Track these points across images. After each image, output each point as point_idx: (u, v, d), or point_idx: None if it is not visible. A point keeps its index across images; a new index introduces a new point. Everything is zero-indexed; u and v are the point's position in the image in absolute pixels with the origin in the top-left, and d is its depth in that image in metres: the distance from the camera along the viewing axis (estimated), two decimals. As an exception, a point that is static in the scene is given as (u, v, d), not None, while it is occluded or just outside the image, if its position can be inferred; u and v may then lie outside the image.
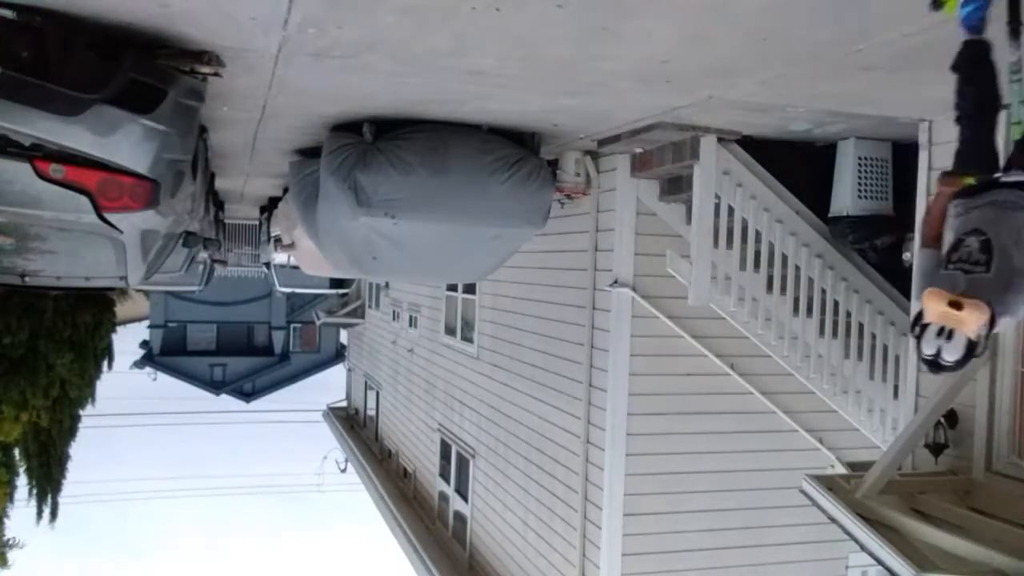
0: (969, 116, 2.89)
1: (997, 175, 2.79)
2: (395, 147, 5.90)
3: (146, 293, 25.08)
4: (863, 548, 4.09)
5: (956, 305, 2.44)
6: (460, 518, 10.32)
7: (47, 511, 16.30)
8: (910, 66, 3.99)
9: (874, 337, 5.96)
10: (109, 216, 3.98)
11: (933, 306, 2.49)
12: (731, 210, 5.82)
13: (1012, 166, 2.77)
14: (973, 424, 4.63)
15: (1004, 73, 2.78)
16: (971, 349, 2.49)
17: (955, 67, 2.89)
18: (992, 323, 2.50)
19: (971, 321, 2.45)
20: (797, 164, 6.16)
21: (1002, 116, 2.86)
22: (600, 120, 5.89)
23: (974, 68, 2.84)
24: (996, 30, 2.77)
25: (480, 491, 9.69)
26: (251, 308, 32.80)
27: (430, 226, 6.19)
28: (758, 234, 5.83)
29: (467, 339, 10.38)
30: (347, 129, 6.09)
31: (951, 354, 2.50)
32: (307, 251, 9.48)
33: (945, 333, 2.48)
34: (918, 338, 2.56)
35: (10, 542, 14.31)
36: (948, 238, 2.81)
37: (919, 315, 2.58)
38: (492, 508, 9.28)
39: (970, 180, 2.82)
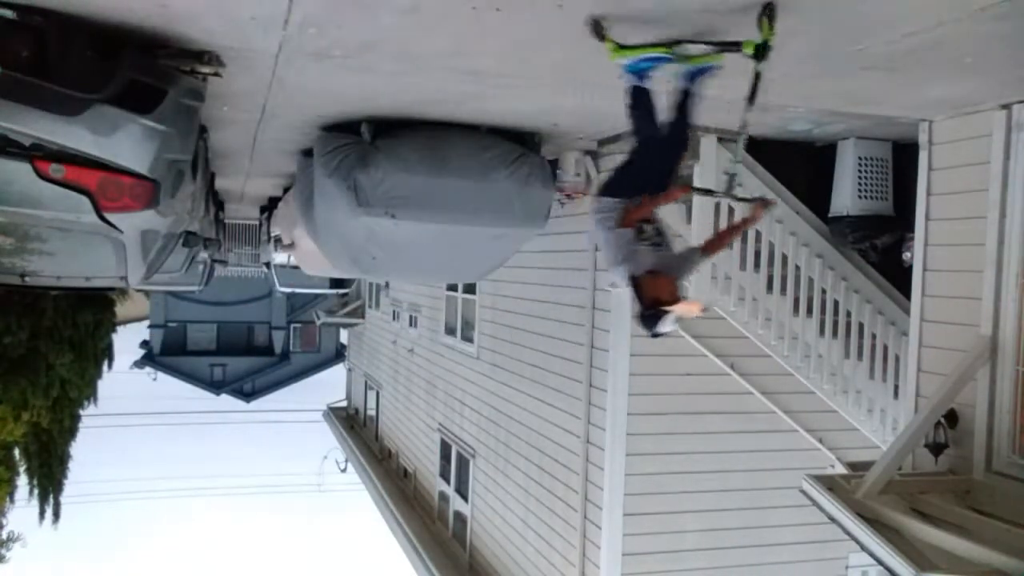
0: (641, 142, 3.83)
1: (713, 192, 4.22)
2: (394, 145, 5.90)
3: (146, 293, 25.10)
4: (863, 548, 4.09)
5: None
6: (460, 518, 10.32)
7: (49, 511, 16.32)
8: (910, 66, 3.99)
9: (874, 337, 5.97)
10: (109, 216, 3.98)
11: (691, 308, 3.49)
12: (731, 210, 5.82)
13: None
14: (973, 424, 4.63)
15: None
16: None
17: (631, 110, 3.77)
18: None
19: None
20: (797, 164, 6.17)
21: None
22: (600, 120, 5.89)
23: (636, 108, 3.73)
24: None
25: (480, 491, 9.69)
26: (251, 308, 32.79)
27: (430, 226, 6.19)
28: (758, 234, 5.84)
29: (467, 339, 10.38)
30: (341, 129, 6.09)
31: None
32: (307, 251, 9.48)
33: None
34: (652, 317, 3.43)
35: (10, 536, 14.32)
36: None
37: (653, 300, 3.43)
38: (492, 508, 9.28)
39: (692, 194, 4.17)
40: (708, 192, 3.99)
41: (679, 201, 6.52)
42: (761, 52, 3.43)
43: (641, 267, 3.57)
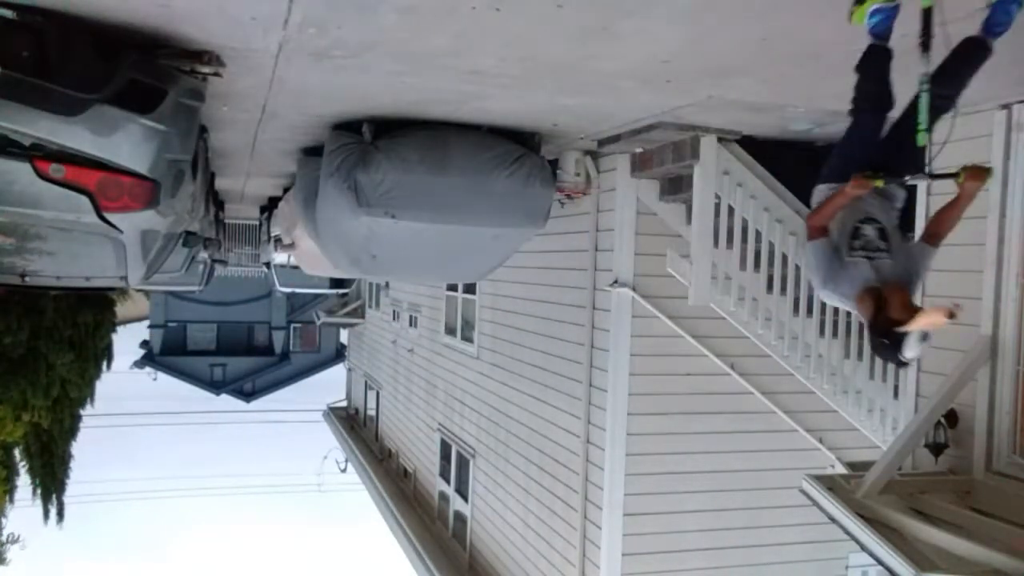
0: (862, 111, 3.18)
1: (905, 179, 3.14)
2: (395, 145, 5.90)
3: (146, 293, 25.10)
4: (863, 548, 4.09)
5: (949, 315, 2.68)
6: (460, 518, 10.32)
7: (53, 511, 16.35)
8: (911, 66, 3.98)
9: (874, 337, 5.95)
10: (109, 216, 3.97)
11: (936, 318, 2.72)
12: (731, 210, 5.82)
13: (914, 169, 3.05)
14: (973, 424, 4.63)
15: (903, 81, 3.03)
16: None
17: (858, 67, 3.17)
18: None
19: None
20: (797, 164, 6.15)
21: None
22: (600, 120, 5.89)
23: (874, 70, 3.10)
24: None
25: (480, 491, 9.69)
26: (251, 308, 32.80)
27: (430, 226, 6.19)
28: (758, 234, 5.83)
29: (467, 339, 10.38)
30: (346, 128, 6.09)
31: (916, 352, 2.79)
32: (307, 251, 9.48)
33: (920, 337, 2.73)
34: (890, 345, 2.75)
35: (9, 538, 14.35)
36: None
37: (885, 323, 2.76)
38: (492, 508, 9.28)
39: (879, 183, 3.01)
40: (900, 179, 3.16)
41: (679, 200, 6.55)
42: None
43: (857, 284, 2.90)
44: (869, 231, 2.99)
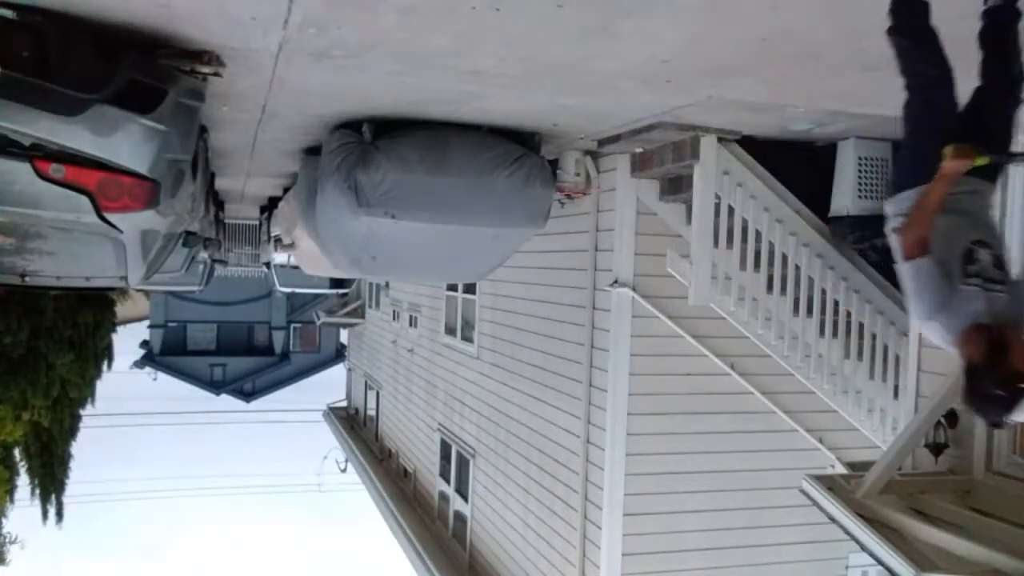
0: (917, 90, 2.70)
1: (1014, 157, 2.62)
2: (395, 145, 5.90)
3: (146, 293, 25.10)
4: (863, 548, 4.09)
5: None
6: (460, 518, 10.32)
7: (52, 511, 16.35)
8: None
9: (874, 337, 5.96)
10: (109, 216, 3.98)
11: None
12: (731, 210, 5.82)
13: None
14: (973, 424, 4.63)
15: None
16: None
17: (890, 30, 2.73)
18: None
19: None
20: (797, 164, 6.16)
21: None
22: (600, 120, 5.89)
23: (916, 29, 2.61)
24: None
25: (480, 491, 9.69)
26: (251, 308, 32.80)
27: (430, 226, 6.19)
28: (758, 234, 5.83)
29: (467, 339, 10.38)
30: (349, 128, 6.09)
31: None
32: (307, 251, 9.47)
33: None
34: (1004, 399, 2.27)
35: (7, 538, 14.36)
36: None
37: (1004, 373, 2.25)
38: (492, 508, 9.28)
39: (982, 160, 2.40)
40: (1008, 157, 2.60)
41: (679, 200, 6.55)
42: None
43: (966, 318, 2.37)
44: (984, 256, 2.45)
